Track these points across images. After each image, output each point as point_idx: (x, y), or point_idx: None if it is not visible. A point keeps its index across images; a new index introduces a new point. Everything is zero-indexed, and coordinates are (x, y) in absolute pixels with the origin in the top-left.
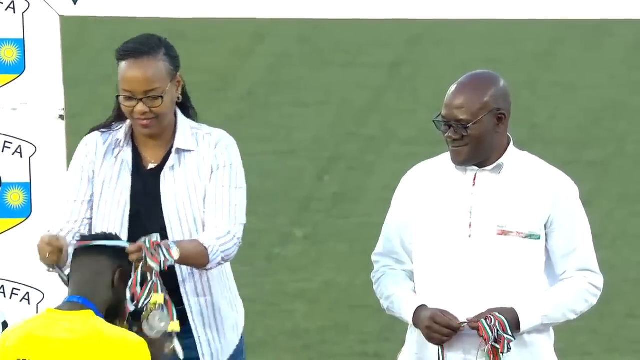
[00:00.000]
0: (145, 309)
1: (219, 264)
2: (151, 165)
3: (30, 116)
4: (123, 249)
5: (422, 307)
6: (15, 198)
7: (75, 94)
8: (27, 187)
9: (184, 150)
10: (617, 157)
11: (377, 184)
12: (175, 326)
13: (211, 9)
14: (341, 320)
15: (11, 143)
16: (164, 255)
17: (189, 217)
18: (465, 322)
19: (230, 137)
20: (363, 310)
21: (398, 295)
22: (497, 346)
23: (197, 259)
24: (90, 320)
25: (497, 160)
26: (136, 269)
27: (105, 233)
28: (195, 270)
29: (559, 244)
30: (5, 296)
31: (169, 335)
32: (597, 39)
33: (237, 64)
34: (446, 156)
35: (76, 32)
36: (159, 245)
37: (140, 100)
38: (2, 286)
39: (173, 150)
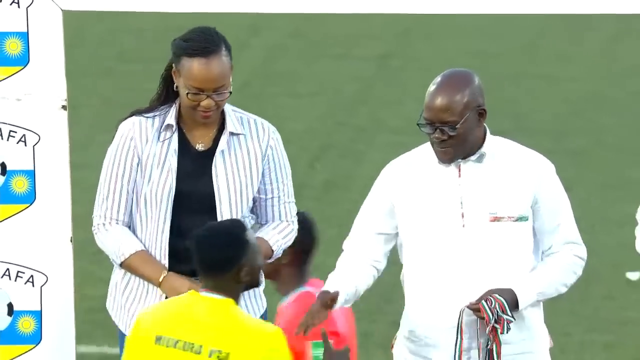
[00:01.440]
0: None
1: (279, 254)
2: (200, 147)
3: (34, 106)
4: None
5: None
6: (20, 185)
7: (77, 86)
8: (31, 175)
9: (235, 134)
10: (597, 147)
11: (366, 172)
12: None
13: (208, 3)
14: None
15: (16, 132)
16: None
17: (238, 199)
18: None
19: (275, 128)
20: None
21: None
22: (497, 327)
23: (264, 258)
24: (229, 307)
25: (478, 150)
26: None
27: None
28: None
29: (545, 221)
30: (10, 279)
31: None
32: (578, 32)
33: (233, 56)
34: (424, 149)
35: (78, 25)
36: None
37: (209, 96)
38: (8, 269)
39: (226, 134)
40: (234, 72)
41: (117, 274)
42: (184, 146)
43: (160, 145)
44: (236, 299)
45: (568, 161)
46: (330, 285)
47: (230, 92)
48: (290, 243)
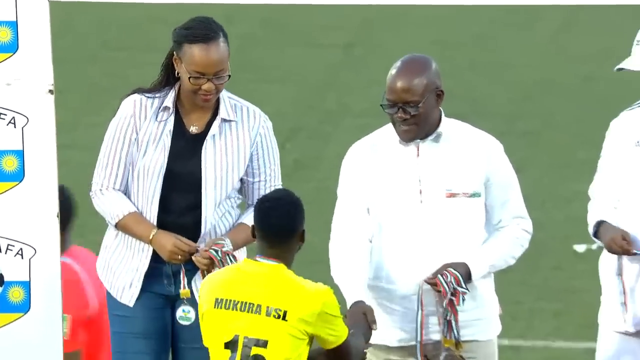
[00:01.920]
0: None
1: None
2: (193, 130)
3: (23, 91)
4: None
5: (356, 302)
6: (9, 164)
7: (63, 71)
8: (20, 154)
9: (227, 120)
10: (547, 129)
11: (333, 152)
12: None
13: None
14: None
15: (5, 114)
16: (230, 262)
17: (223, 181)
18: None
19: (266, 116)
20: (321, 265)
21: (345, 285)
22: (454, 299)
23: (247, 242)
24: (283, 270)
25: (435, 130)
26: (202, 272)
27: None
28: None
29: (495, 197)
30: (1, 251)
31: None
32: (529, 22)
33: None
34: (385, 131)
35: (64, 15)
36: (228, 254)
37: (209, 79)
38: None
39: (218, 119)
40: None
41: (109, 237)
42: (179, 128)
43: (157, 124)
44: (288, 265)
45: (520, 142)
46: (352, 291)
47: (229, 76)
48: None
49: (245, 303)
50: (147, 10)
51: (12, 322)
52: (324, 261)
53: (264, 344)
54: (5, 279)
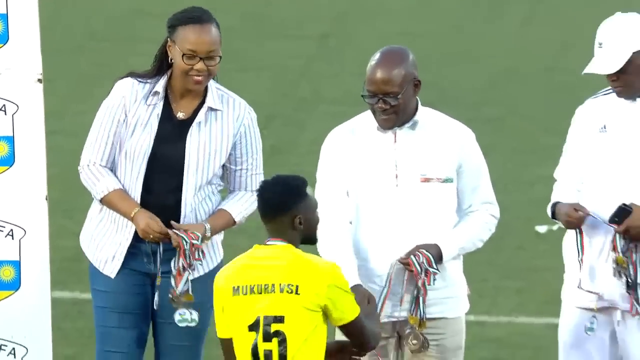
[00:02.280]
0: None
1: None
2: (180, 116)
3: (13, 80)
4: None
5: (356, 286)
6: (1, 149)
7: (52, 61)
8: (10, 140)
9: (213, 109)
10: (510, 116)
11: (307, 138)
12: (190, 297)
13: None
14: None
15: None
16: (199, 256)
17: (204, 167)
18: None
19: (251, 108)
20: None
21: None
22: (425, 279)
23: (226, 228)
24: (291, 249)
25: (412, 118)
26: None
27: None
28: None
29: (466, 182)
30: None
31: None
32: (493, 15)
33: None
34: (362, 118)
35: (52, 8)
36: (198, 249)
37: (202, 59)
38: None
39: (205, 107)
40: None
41: (93, 210)
42: (167, 113)
43: (147, 108)
44: (295, 245)
45: (485, 129)
46: (347, 274)
47: (220, 57)
48: (253, 210)
49: (261, 285)
50: (131, 3)
51: (3, 299)
52: None
53: (281, 320)
54: None
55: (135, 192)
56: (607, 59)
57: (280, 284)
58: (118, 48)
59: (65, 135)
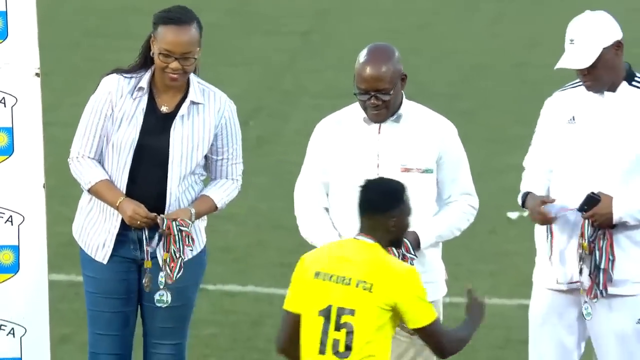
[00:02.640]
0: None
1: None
2: (164, 109)
3: (12, 74)
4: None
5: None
6: (0, 140)
7: (48, 56)
8: (9, 131)
9: (195, 103)
10: (482, 108)
11: (291, 129)
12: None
13: None
14: (263, 238)
15: None
16: (189, 242)
17: (187, 157)
18: None
19: (231, 101)
20: (281, 230)
21: (322, 241)
22: (404, 261)
23: (208, 213)
24: (376, 249)
25: (397, 112)
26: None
27: None
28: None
29: (446, 174)
30: None
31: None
32: (467, 13)
33: None
34: (349, 110)
35: (49, 6)
36: (189, 236)
37: (177, 59)
38: None
39: (187, 101)
40: None
41: (84, 200)
42: (151, 107)
43: (132, 102)
44: (384, 246)
45: (459, 120)
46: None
47: (195, 59)
48: (234, 197)
49: (340, 276)
50: (123, 1)
51: (3, 282)
52: (284, 226)
53: (352, 313)
54: None
55: (122, 182)
56: (579, 54)
57: (357, 280)
58: (111, 44)
59: (61, 126)
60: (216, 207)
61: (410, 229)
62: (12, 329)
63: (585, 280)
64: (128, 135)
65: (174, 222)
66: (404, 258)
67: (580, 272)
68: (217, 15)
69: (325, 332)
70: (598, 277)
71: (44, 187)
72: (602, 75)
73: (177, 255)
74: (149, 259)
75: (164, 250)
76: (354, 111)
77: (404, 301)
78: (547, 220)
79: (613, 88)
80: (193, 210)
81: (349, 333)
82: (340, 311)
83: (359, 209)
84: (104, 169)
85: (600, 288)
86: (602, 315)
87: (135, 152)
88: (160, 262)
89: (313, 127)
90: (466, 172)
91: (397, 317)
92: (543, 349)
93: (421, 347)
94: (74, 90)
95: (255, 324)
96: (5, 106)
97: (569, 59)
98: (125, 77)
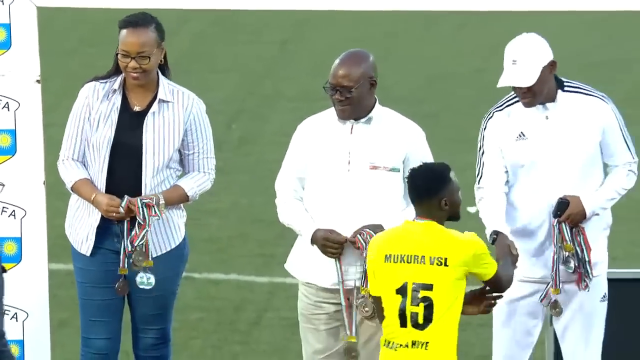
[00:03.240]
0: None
1: (196, 197)
2: (137, 108)
3: (15, 80)
4: (447, 180)
5: (317, 230)
6: (4, 141)
7: (48, 64)
8: (12, 133)
9: (164, 101)
10: (444, 111)
11: (270, 130)
12: (149, 263)
13: (149, 1)
14: (245, 230)
15: (0, 100)
16: (155, 213)
17: (160, 151)
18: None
19: (200, 100)
20: (261, 223)
21: (297, 222)
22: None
23: (180, 201)
24: (437, 226)
25: (368, 114)
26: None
27: None
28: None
29: None
30: None
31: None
32: (430, 23)
33: (166, 41)
34: (328, 112)
35: (48, 18)
36: (151, 207)
37: (133, 58)
38: None
39: (157, 100)
40: (167, 50)
41: (72, 198)
42: (125, 106)
43: (107, 103)
44: (441, 223)
45: (423, 122)
46: (309, 227)
47: (150, 58)
48: (206, 189)
49: (411, 255)
50: (115, 13)
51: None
52: (263, 219)
53: (430, 287)
54: (0, 235)
55: (102, 178)
56: (522, 73)
57: (430, 257)
58: (104, 51)
59: (59, 127)
60: (187, 196)
61: (377, 221)
62: (15, 313)
63: (549, 274)
64: (105, 134)
65: (138, 198)
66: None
67: (543, 269)
68: (202, 26)
69: (403, 308)
70: (585, 268)
71: (44, 184)
72: (541, 91)
73: (142, 224)
74: (125, 266)
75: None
76: (332, 113)
77: (476, 265)
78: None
79: (551, 98)
80: (161, 196)
81: (428, 306)
82: (417, 287)
83: (410, 198)
84: (86, 168)
85: (591, 277)
86: (568, 298)
87: (112, 149)
88: (130, 248)
89: (290, 128)
90: None
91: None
92: (503, 332)
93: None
94: (71, 94)
95: (237, 309)
96: (9, 110)
97: (513, 78)
98: (101, 82)
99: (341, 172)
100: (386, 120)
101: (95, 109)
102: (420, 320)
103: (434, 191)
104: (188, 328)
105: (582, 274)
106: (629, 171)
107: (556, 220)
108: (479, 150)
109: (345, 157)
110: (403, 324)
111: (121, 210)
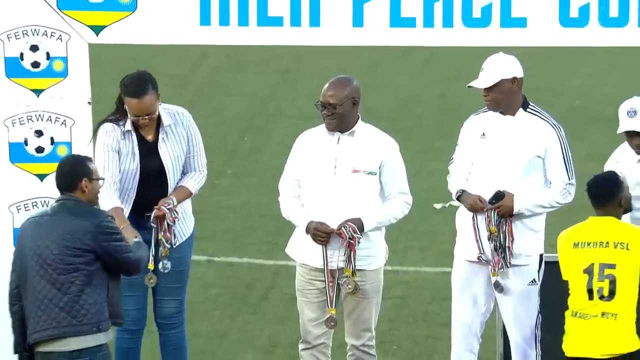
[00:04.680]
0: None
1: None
2: (149, 139)
3: (71, 102)
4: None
5: (310, 222)
6: (62, 151)
7: (97, 90)
8: (69, 145)
9: (168, 126)
10: (416, 127)
11: (274, 143)
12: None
13: (174, 37)
14: (254, 223)
15: (59, 118)
16: (175, 214)
17: (177, 167)
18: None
19: (186, 110)
20: (267, 217)
21: (295, 215)
22: (352, 242)
23: (186, 198)
24: (614, 220)
25: (352, 128)
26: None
27: None
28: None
29: (386, 176)
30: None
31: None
32: (405, 55)
33: (190, 71)
34: (321, 127)
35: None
36: (173, 210)
37: (142, 117)
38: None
39: (162, 127)
40: (191, 81)
41: None
42: (140, 140)
43: (126, 142)
44: (619, 218)
45: (398, 136)
46: (303, 220)
47: (154, 112)
48: (202, 184)
49: (596, 242)
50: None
51: None
52: (269, 214)
53: (613, 266)
54: None
55: (130, 198)
56: (483, 78)
57: (614, 242)
58: None
59: None
60: (191, 193)
61: (357, 216)
62: None
63: (490, 255)
64: (132, 165)
65: (161, 206)
66: (351, 238)
67: (487, 249)
68: (218, 59)
69: (590, 283)
70: (504, 253)
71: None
72: (498, 99)
73: (170, 224)
74: (153, 263)
75: (158, 234)
76: (323, 128)
77: None
78: (481, 209)
79: (512, 113)
80: (174, 198)
81: (612, 282)
82: (603, 266)
83: (593, 203)
84: (119, 192)
85: (507, 261)
86: (505, 280)
87: (140, 175)
88: (167, 247)
89: (290, 141)
90: (403, 176)
91: None
92: (462, 304)
93: (367, 304)
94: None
95: (248, 286)
96: (65, 126)
97: (476, 80)
98: (114, 125)
99: (328, 175)
100: (366, 133)
101: (120, 146)
102: (606, 294)
103: (613, 195)
104: (209, 302)
105: (500, 259)
106: (564, 189)
107: (488, 206)
108: (457, 143)
109: (332, 163)
110: (590, 297)
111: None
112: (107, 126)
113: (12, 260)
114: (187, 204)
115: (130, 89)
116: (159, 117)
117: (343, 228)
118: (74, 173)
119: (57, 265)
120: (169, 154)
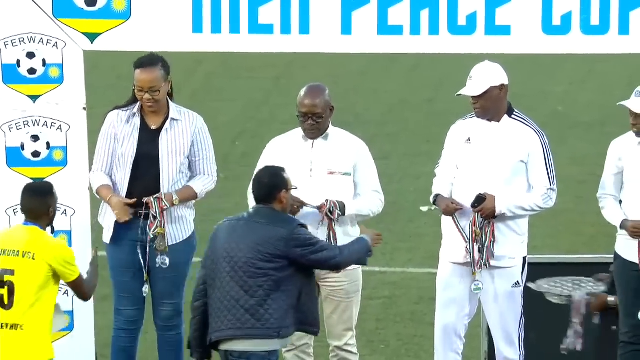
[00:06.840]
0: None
1: (203, 195)
2: (153, 127)
3: (67, 108)
4: None
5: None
6: (58, 155)
7: (92, 95)
8: (64, 149)
9: (175, 119)
10: (402, 132)
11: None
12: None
13: (172, 43)
14: None
15: (55, 123)
16: (164, 211)
17: (172, 160)
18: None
19: (201, 118)
20: None
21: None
22: (331, 216)
23: (190, 198)
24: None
25: (325, 133)
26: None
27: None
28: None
29: (360, 176)
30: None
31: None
32: (393, 62)
33: (184, 77)
34: (293, 132)
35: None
36: (162, 209)
37: (147, 92)
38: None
39: (169, 119)
40: (185, 87)
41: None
42: (143, 126)
43: (129, 125)
44: None
45: (386, 140)
46: None
47: (160, 91)
48: (210, 188)
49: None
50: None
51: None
52: None
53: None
54: (55, 229)
55: (125, 182)
56: (472, 86)
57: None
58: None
59: None
60: (196, 194)
61: (340, 200)
62: (67, 290)
63: (476, 256)
64: (129, 149)
65: (151, 197)
66: (331, 212)
67: (472, 251)
68: (214, 66)
69: None
70: (484, 254)
71: (89, 189)
72: (487, 107)
73: (155, 215)
74: (149, 258)
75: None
76: (296, 132)
77: None
78: (452, 212)
79: (498, 119)
80: (174, 193)
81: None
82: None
83: None
84: (111, 178)
85: (484, 261)
86: (488, 282)
87: (135, 160)
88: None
89: None
90: (375, 176)
91: None
92: (445, 305)
93: (348, 304)
94: None
95: None
96: (61, 131)
97: (466, 89)
98: (122, 110)
99: (305, 177)
100: (339, 137)
101: (120, 130)
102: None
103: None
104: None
105: (480, 257)
106: (545, 194)
107: (471, 209)
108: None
109: (308, 166)
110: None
111: (130, 215)
112: (112, 114)
113: (203, 258)
114: (185, 211)
115: (141, 59)
116: (167, 111)
117: (325, 202)
118: (273, 185)
119: (248, 269)
120: (168, 144)
